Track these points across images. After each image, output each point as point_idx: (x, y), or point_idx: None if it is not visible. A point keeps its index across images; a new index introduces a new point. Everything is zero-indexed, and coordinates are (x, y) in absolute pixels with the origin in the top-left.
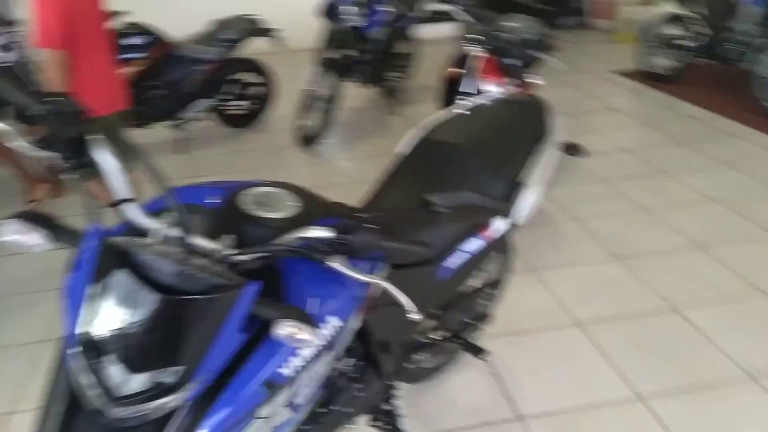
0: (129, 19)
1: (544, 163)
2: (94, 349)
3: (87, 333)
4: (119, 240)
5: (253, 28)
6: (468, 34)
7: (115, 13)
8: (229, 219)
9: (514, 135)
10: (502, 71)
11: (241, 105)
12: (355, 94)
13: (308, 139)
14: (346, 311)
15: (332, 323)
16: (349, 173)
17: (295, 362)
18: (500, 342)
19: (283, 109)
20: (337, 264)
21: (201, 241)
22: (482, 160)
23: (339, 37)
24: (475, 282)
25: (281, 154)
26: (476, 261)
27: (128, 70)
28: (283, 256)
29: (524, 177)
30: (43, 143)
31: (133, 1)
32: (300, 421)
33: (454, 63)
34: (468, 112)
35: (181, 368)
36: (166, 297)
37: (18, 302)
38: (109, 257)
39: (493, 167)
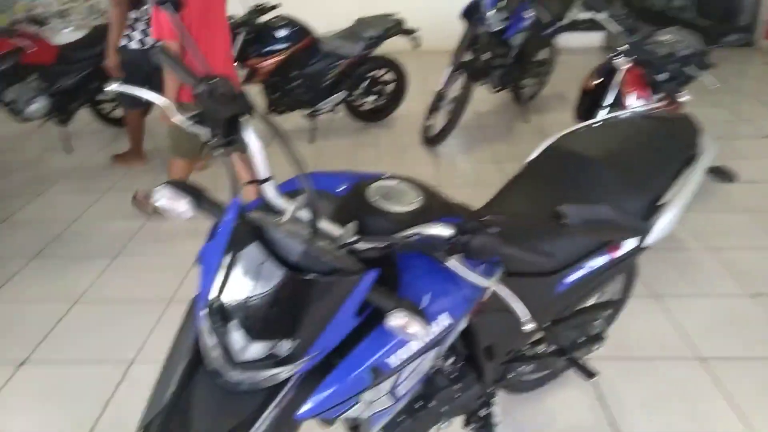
0: (279, 11)
1: (688, 186)
2: (220, 313)
3: (217, 298)
4: (254, 215)
5: (394, 27)
6: (617, 44)
7: (267, 7)
8: (354, 208)
9: (658, 153)
10: (649, 86)
11: (373, 100)
12: (486, 98)
13: (433, 139)
14: (457, 311)
15: (443, 321)
16: (471, 176)
17: (403, 354)
18: (611, 365)
19: (412, 108)
20: (453, 263)
21: (327, 226)
22: (618, 175)
23: (477, 39)
24: (592, 300)
25: (405, 150)
26: (598, 278)
27: (273, 60)
28: (402, 250)
29: (663, 198)
30: (198, 119)
31: None
32: (397, 411)
33: (598, 74)
34: (609, 125)
35: (296, 341)
36: (290, 273)
37: (156, 263)
38: (244, 230)
39: (629, 184)
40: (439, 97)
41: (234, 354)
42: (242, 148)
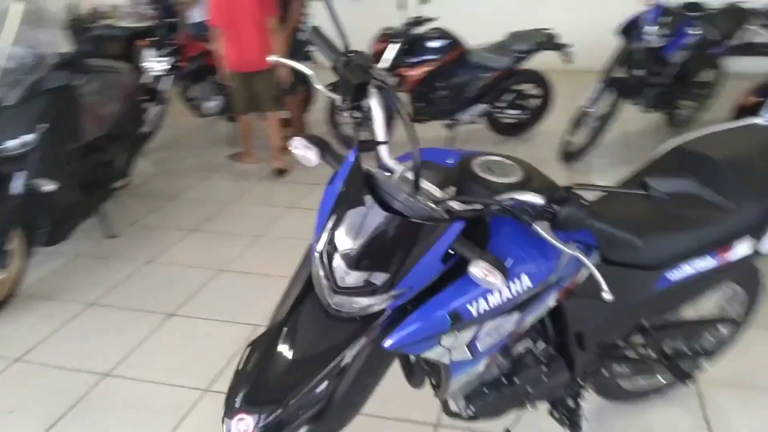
0: (435, 24)
1: None
2: (331, 245)
3: (329, 231)
4: (367, 167)
5: (545, 41)
6: None
7: (423, 19)
8: (458, 176)
9: None
10: None
11: (515, 114)
12: (637, 117)
13: (572, 155)
14: (539, 276)
15: (524, 283)
16: None
17: (482, 305)
18: (725, 391)
19: (554, 125)
20: (541, 229)
21: (429, 186)
22: (739, 177)
23: (633, 56)
24: (707, 313)
25: (540, 165)
26: (705, 282)
27: (422, 70)
28: (494, 214)
29: None
30: (334, 87)
31: (444, 9)
32: (480, 372)
33: (756, 91)
34: (740, 130)
35: (388, 275)
36: (391, 215)
37: (293, 245)
38: (358, 177)
39: (749, 188)
40: (584, 112)
41: (337, 280)
42: (368, 114)
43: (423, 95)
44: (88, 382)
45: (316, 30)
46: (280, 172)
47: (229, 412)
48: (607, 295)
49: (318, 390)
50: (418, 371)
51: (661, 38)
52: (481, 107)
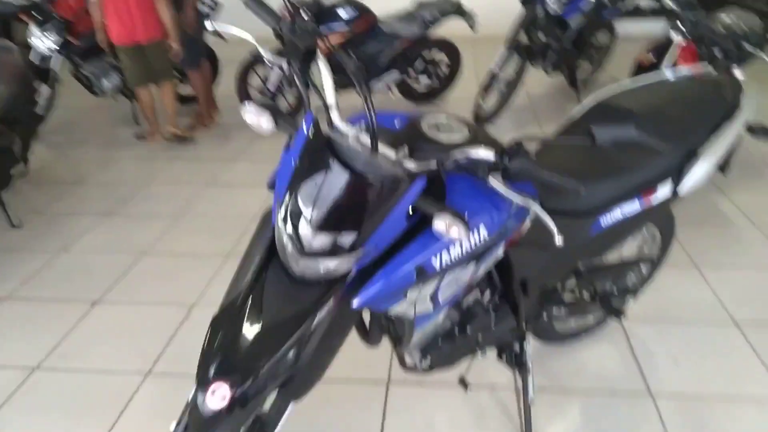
0: None
1: (725, 139)
2: (295, 210)
3: (291, 196)
4: (324, 129)
5: (451, 9)
6: (674, 19)
7: None
8: (408, 138)
9: (698, 108)
10: (702, 61)
11: (427, 81)
12: (540, 80)
13: (484, 119)
14: (494, 227)
15: (482, 234)
16: None
17: (445, 257)
18: (646, 326)
19: (465, 91)
20: (495, 182)
21: (384, 149)
22: (656, 128)
23: (535, 21)
24: (628, 254)
25: None
26: (632, 224)
27: (334, 40)
28: (448, 170)
29: (700, 150)
30: (280, 53)
31: None
32: (437, 324)
33: (653, 49)
34: (653, 84)
35: (355, 235)
36: (355, 175)
37: (215, 224)
38: (318, 140)
39: (667, 137)
40: (493, 77)
41: (304, 244)
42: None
43: (335, 65)
44: (16, 379)
45: None
46: (180, 139)
47: (203, 385)
48: (558, 240)
49: (289, 355)
50: (374, 330)
51: (561, 4)
52: (394, 75)
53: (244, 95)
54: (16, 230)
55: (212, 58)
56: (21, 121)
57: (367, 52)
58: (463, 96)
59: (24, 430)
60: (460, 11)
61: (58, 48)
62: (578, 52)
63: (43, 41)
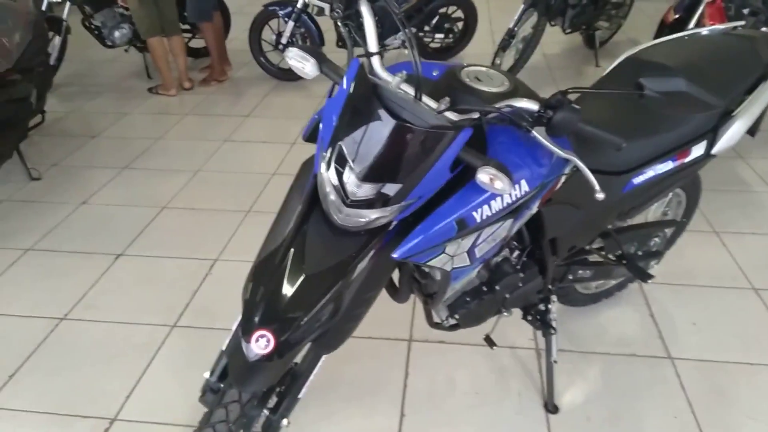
0: None
1: (761, 100)
2: (339, 158)
3: (336, 143)
4: (370, 76)
5: None
6: None
7: None
8: (449, 87)
9: (734, 67)
10: (731, 19)
11: (442, 38)
12: (557, 39)
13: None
14: (534, 181)
15: (523, 188)
16: None
17: (486, 211)
18: (666, 289)
19: (481, 48)
20: (538, 134)
21: (426, 98)
22: (692, 80)
23: None
24: (653, 217)
25: None
26: (664, 183)
27: None
28: (491, 121)
29: (735, 109)
30: None
31: None
32: (470, 280)
33: (679, 7)
34: (689, 40)
35: (399, 185)
36: (400, 123)
37: (235, 179)
38: (364, 87)
39: (704, 89)
40: (510, 35)
41: (348, 193)
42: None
43: (348, 20)
44: (44, 328)
45: None
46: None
47: (247, 333)
48: (599, 195)
49: (329, 306)
50: (404, 285)
51: None
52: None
53: (257, 50)
54: (36, 182)
55: (223, 10)
56: (36, 72)
57: (380, 8)
58: (480, 53)
59: (53, 378)
60: None
61: None
62: (596, 10)
63: None
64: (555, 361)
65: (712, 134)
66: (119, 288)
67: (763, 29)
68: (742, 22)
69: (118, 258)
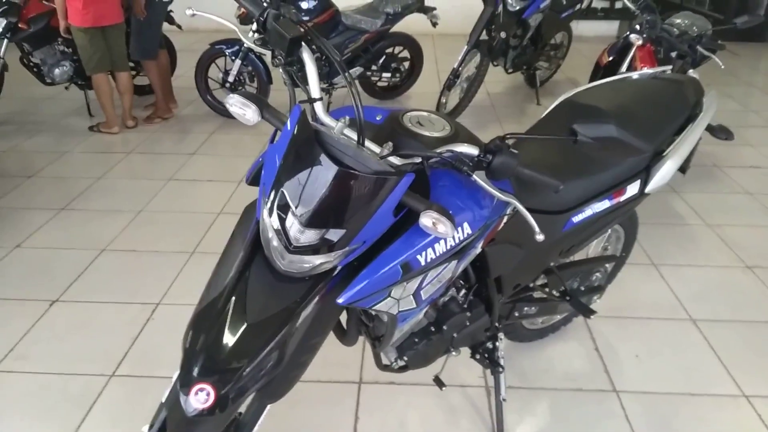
0: None
1: (690, 140)
2: (281, 204)
3: (280, 192)
4: (312, 123)
5: (413, 4)
6: (633, 22)
7: None
8: (391, 132)
9: (663, 109)
10: (660, 63)
11: (389, 77)
12: (500, 78)
13: (447, 115)
14: (476, 224)
15: (465, 230)
16: None
17: (430, 254)
18: (608, 322)
19: (427, 87)
20: (478, 178)
21: (369, 143)
22: (624, 125)
23: (496, 19)
24: (593, 253)
25: None
26: (602, 221)
27: None
28: (434, 166)
29: (666, 149)
30: (263, 42)
31: None
32: (414, 323)
33: (612, 50)
34: (620, 83)
35: (343, 230)
36: (342, 168)
37: (178, 219)
38: (306, 133)
39: (634, 134)
40: (455, 74)
41: (291, 239)
42: (301, 69)
43: (290, 66)
44: None
45: None
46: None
47: (186, 386)
48: (539, 236)
49: (272, 355)
50: (351, 329)
51: (521, 2)
52: (355, 70)
53: (204, 88)
54: None
55: (169, 48)
56: None
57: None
58: (426, 91)
59: None
60: (423, 8)
61: (4, 33)
62: (536, 50)
63: None
64: (504, 399)
65: (645, 174)
66: (53, 336)
67: (690, 72)
68: (670, 66)
69: (53, 304)
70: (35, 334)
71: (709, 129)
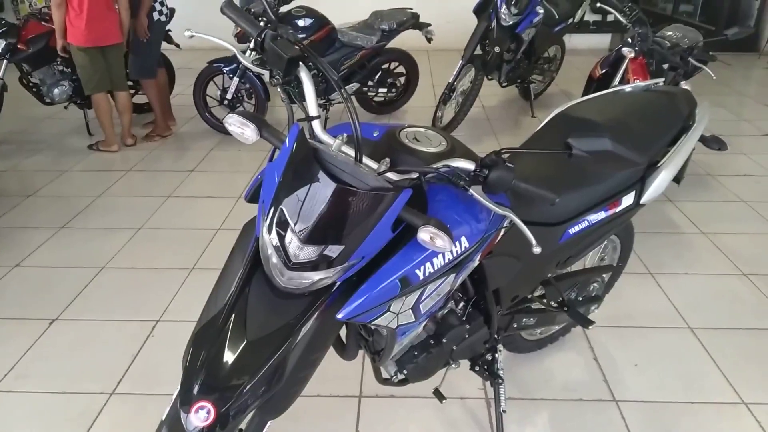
0: (301, 2)
1: (683, 151)
2: (281, 222)
3: (279, 210)
4: (310, 140)
5: (408, 20)
6: (626, 35)
7: None
8: (389, 148)
9: (657, 121)
10: (652, 76)
11: (384, 92)
12: (495, 92)
13: (442, 129)
14: (474, 237)
15: (463, 244)
16: None
17: (428, 268)
18: (607, 331)
19: (422, 102)
20: (475, 193)
21: (366, 160)
22: (618, 138)
23: (489, 34)
24: (591, 262)
25: None
26: (598, 232)
27: None
28: (431, 181)
29: (660, 161)
30: (261, 62)
31: None
32: (417, 334)
33: (604, 63)
34: (614, 96)
35: (342, 247)
36: (341, 185)
37: (178, 236)
38: (305, 151)
39: (630, 148)
40: (450, 89)
41: (290, 256)
42: (299, 87)
43: (288, 85)
44: None
45: (230, 4)
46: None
47: (186, 404)
48: (536, 249)
49: (273, 372)
50: (351, 343)
51: (514, 16)
52: (352, 86)
53: (202, 105)
54: None
55: (168, 67)
56: None
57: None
58: (421, 106)
59: None
60: (418, 24)
61: (4, 53)
62: (530, 64)
63: None
64: (504, 411)
65: (640, 185)
66: (53, 355)
67: (682, 83)
68: (662, 79)
69: (53, 323)
70: (35, 352)
71: (703, 140)
